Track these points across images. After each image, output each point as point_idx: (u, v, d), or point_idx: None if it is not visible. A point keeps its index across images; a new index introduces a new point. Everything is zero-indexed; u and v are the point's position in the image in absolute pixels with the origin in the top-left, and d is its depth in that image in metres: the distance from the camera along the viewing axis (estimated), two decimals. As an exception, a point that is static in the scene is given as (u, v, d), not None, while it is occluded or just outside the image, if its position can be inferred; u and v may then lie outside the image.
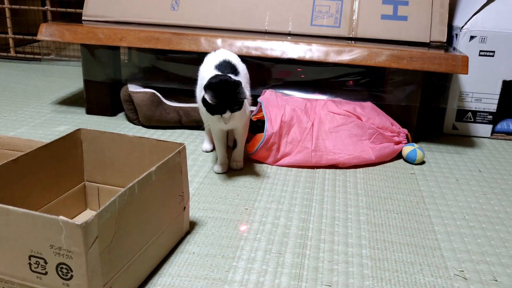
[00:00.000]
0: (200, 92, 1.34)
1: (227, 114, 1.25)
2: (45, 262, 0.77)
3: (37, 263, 0.77)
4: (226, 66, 1.36)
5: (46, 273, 0.78)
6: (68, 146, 1.11)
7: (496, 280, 1.00)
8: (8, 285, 0.81)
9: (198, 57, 1.49)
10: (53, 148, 1.05)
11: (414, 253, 1.08)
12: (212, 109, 1.25)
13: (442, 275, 1.01)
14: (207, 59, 1.44)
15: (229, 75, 1.30)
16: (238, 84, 1.23)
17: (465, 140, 1.82)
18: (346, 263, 1.03)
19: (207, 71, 1.36)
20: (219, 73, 1.31)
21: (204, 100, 1.25)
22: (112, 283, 0.82)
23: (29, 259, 0.78)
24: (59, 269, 0.76)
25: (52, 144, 1.05)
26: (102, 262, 0.78)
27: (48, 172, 1.05)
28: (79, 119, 1.82)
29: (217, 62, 1.37)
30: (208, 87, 1.22)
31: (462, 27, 1.75)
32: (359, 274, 1.00)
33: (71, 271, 0.76)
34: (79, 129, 1.12)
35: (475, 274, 1.02)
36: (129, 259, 0.87)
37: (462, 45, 1.75)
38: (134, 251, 0.88)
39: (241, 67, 1.43)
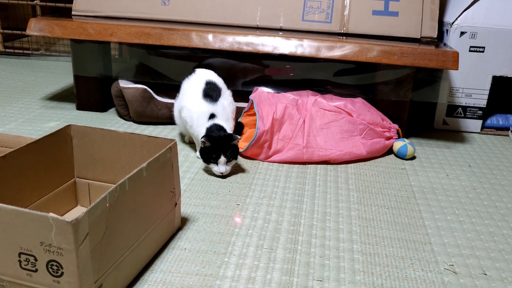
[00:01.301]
0: (179, 107, 1.53)
1: (222, 159, 1.35)
2: (35, 259, 0.76)
3: (27, 260, 0.77)
4: (213, 89, 1.46)
5: (36, 270, 0.77)
6: (58, 143, 1.10)
7: (486, 274, 1.01)
8: (-2, 282, 0.81)
9: (189, 53, 1.49)
10: (43, 144, 1.05)
11: (405, 247, 1.09)
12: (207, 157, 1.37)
13: (432, 269, 1.02)
14: (191, 80, 1.53)
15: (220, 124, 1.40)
16: (234, 138, 1.37)
17: (456, 135, 1.83)
18: (337, 258, 1.04)
19: (193, 94, 1.46)
20: (207, 100, 1.43)
21: (202, 150, 1.37)
22: (103, 279, 0.82)
23: (19, 256, 0.77)
24: (49, 266, 0.76)
25: (42, 140, 1.04)
26: (93, 259, 0.78)
27: (38, 168, 1.05)
28: (69, 115, 1.81)
29: (203, 85, 1.46)
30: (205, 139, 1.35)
31: (453, 23, 1.76)
32: (350, 269, 1.00)
33: (62, 268, 0.75)
34: (69, 125, 1.11)
35: (465, 268, 1.03)
36: (120, 255, 0.86)
37: (452, 41, 1.76)
38: (125, 247, 0.88)
39: (226, 90, 1.51)
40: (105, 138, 1.10)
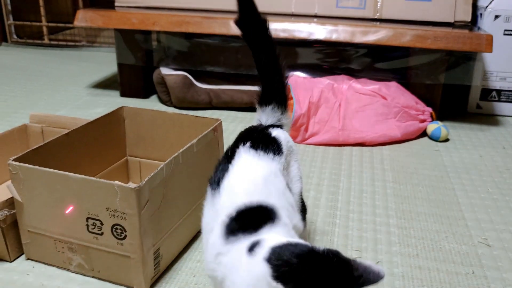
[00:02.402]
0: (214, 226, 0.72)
1: None
2: (101, 224, 0.85)
3: (94, 224, 0.86)
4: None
5: (102, 234, 0.86)
6: (112, 123, 1.18)
7: (519, 247, 1.05)
8: (67, 245, 0.90)
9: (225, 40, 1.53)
10: (99, 124, 1.13)
11: (439, 222, 1.13)
12: None
13: (466, 242, 1.06)
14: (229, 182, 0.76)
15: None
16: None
17: (489, 119, 1.85)
18: (374, 231, 1.09)
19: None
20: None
21: None
22: (160, 244, 0.90)
23: (87, 221, 0.86)
24: (114, 229, 0.84)
25: (98, 120, 1.13)
26: (152, 224, 0.86)
27: (94, 146, 1.14)
28: (114, 102, 1.91)
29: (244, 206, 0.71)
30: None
31: (487, 6, 1.77)
32: (387, 241, 1.06)
33: (125, 231, 0.84)
34: (121, 107, 1.20)
35: (499, 242, 1.07)
36: (175, 223, 0.94)
37: (486, 24, 1.78)
38: (179, 215, 0.96)
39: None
40: (155, 118, 1.18)
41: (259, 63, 0.88)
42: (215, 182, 0.76)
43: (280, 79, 0.89)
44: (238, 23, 0.87)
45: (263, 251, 0.61)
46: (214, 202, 0.75)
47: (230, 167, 0.77)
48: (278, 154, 0.82)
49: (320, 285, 0.58)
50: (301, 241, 0.64)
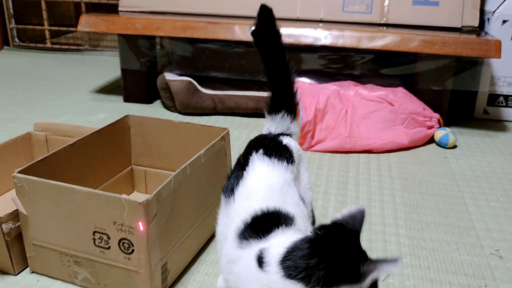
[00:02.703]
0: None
1: None
2: (108, 238, 0.83)
3: (101, 238, 0.84)
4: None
5: (109, 248, 0.84)
6: (117, 132, 1.17)
7: (532, 259, 1.03)
8: (73, 258, 0.88)
9: (230, 46, 1.52)
10: (104, 133, 1.12)
11: (450, 232, 1.12)
12: None
13: (478, 254, 1.04)
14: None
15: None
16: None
17: (497, 125, 1.83)
18: (384, 241, 1.07)
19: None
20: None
21: None
22: (168, 257, 0.88)
23: (93, 234, 0.84)
24: (121, 244, 0.83)
25: (103, 130, 1.12)
26: (160, 238, 0.84)
27: (99, 156, 1.12)
28: (117, 107, 1.89)
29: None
30: None
31: (494, 11, 1.75)
32: (397, 252, 1.04)
33: (132, 245, 0.82)
34: (127, 116, 1.18)
35: (511, 253, 1.05)
36: (182, 235, 0.92)
37: (494, 29, 1.76)
38: (186, 227, 0.94)
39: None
40: (161, 127, 1.17)
41: (270, 71, 0.88)
42: (229, 189, 0.76)
43: (290, 87, 0.89)
44: (254, 33, 0.87)
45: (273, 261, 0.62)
46: (228, 209, 0.75)
47: (245, 173, 0.76)
48: (291, 163, 0.82)
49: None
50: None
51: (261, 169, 0.77)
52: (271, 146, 0.81)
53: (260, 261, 0.63)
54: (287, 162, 0.80)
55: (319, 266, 0.59)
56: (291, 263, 0.61)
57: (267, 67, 0.88)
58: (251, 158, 0.78)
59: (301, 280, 0.59)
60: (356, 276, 0.59)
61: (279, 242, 0.64)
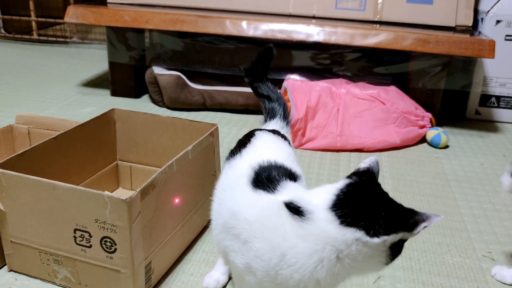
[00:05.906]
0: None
1: None
2: (90, 236, 0.80)
3: (82, 236, 0.80)
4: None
5: (90, 246, 0.80)
6: (102, 126, 1.13)
7: (524, 262, 1.01)
8: (53, 257, 0.85)
9: (223, 40, 1.50)
10: (88, 127, 1.08)
11: (441, 234, 1.10)
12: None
13: (470, 256, 1.02)
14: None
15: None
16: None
17: (488, 125, 1.82)
18: (375, 243, 1.05)
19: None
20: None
21: None
22: (151, 257, 0.85)
23: (74, 232, 0.81)
24: (103, 242, 0.79)
25: (88, 123, 1.08)
26: (144, 237, 0.81)
27: (83, 150, 1.08)
28: (104, 101, 1.85)
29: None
30: None
31: (488, 11, 1.74)
32: (388, 254, 1.01)
33: (115, 244, 0.78)
34: (112, 109, 1.14)
35: (503, 255, 1.03)
36: (168, 234, 0.89)
37: (487, 29, 1.74)
38: (171, 227, 0.91)
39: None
40: (148, 122, 1.13)
41: (260, 95, 0.94)
42: (234, 153, 0.78)
43: (281, 101, 0.94)
44: (246, 71, 0.93)
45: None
46: (231, 166, 0.76)
47: (253, 140, 0.79)
48: (291, 146, 0.85)
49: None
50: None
51: (268, 138, 0.81)
52: (273, 130, 0.85)
53: (295, 209, 0.60)
54: (289, 144, 0.84)
55: (381, 214, 0.60)
56: (348, 210, 0.60)
57: (256, 92, 0.94)
58: (256, 133, 0.81)
59: (361, 227, 0.59)
60: (412, 224, 0.59)
61: (318, 191, 0.64)
